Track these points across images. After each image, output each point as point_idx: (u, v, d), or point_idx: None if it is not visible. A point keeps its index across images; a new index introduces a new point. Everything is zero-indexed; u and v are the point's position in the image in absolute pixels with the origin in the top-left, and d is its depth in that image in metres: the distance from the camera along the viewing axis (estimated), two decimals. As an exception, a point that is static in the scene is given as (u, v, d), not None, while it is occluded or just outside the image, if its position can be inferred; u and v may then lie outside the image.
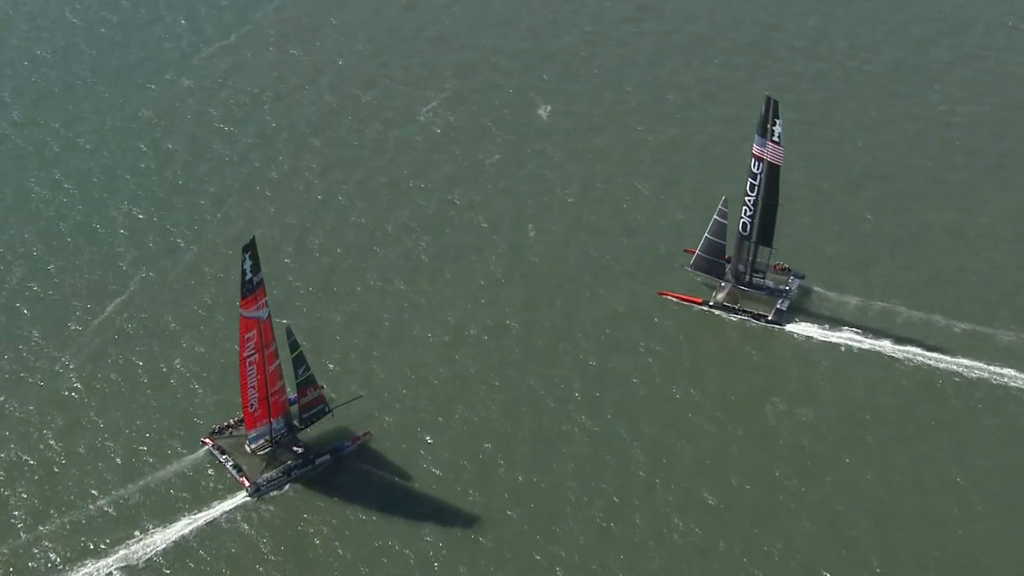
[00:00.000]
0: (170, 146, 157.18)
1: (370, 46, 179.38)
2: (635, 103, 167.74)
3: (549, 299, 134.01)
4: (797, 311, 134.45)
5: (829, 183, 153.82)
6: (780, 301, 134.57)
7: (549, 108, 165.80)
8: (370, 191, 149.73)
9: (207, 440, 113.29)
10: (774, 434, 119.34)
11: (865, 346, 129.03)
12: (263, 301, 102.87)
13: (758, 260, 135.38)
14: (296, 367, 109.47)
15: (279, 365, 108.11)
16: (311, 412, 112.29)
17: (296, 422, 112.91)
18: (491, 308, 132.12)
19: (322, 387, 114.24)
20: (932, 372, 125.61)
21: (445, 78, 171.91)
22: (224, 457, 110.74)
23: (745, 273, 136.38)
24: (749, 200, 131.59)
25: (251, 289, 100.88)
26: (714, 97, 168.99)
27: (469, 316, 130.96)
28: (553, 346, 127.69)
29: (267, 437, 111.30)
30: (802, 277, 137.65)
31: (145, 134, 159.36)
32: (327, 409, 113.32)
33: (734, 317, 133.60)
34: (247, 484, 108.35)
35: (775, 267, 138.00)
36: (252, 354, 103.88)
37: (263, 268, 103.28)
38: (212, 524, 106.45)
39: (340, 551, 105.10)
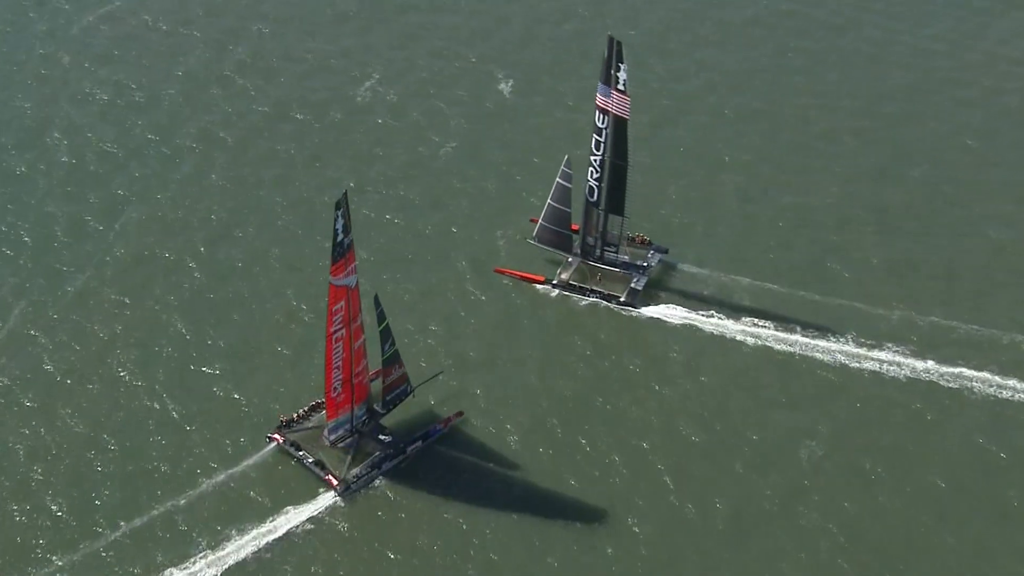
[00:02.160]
0: (48, 141, 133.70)
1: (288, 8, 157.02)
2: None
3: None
4: (657, 291, 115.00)
5: (699, 146, 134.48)
6: (636, 279, 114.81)
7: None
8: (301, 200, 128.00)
9: (275, 436, 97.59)
10: (606, 442, 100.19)
11: (731, 330, 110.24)
12: (353, 266, 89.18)
13: (610, 231, 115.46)
14: (383, 341, 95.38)
15: (364, 341, 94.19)
16: (394, 393, 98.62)
17: (377, 406, 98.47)
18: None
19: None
20: (805, 357, 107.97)
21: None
22: (301, 453, 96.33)
23: (595, 246, 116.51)
24: (595, 160, 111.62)
25: (342, 252, 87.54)
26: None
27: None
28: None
29: (348, 426, 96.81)
30: (665, 251, 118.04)
31: (15, 127, 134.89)
32: (409, 389, 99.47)
33: (582, 298, 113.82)
34: (335, 482, 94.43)
35: (636, 239, 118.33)
36: (339, 328, 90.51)
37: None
38: (298, 530, 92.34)
39: (445, 554, 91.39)
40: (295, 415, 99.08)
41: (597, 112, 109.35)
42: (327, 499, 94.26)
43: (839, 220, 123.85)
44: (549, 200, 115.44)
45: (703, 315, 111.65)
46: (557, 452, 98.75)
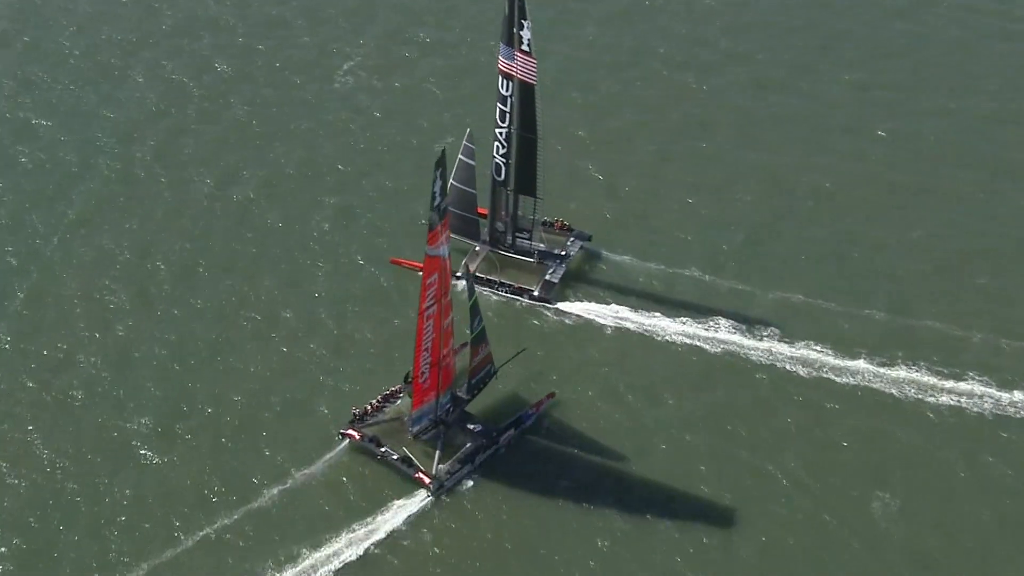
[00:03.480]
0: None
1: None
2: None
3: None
4: (576, 283, 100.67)
5: (620, 122, 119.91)
6: (550, 271, 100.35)
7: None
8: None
9: (350, 432, 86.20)
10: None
11: (663, 331, 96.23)
12: (447, 234, 79.85)
13: (522, 215, 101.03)
14: (472, 317, 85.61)
15: (453, 319, 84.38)
16: (479, 376, 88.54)
17: (461, 392, 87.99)
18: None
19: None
20: (739, 357, 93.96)
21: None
22: (383, 449, 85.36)
23: (506, 233, 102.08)
24: (501, 133, 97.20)
25: (439, 217, 78.28)
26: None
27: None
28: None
29: (432, 416, 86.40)
30: (588, 238, 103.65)
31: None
32: (493, 370, 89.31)
33: (491, 292, 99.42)
34: (427, 481, 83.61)
35: (555, 225, 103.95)
36: (431, 304, 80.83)
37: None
38: (392, 538, 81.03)
39: (558, 560, 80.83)
40: (368, 406, 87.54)
41: (500, 78, 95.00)
42: (418, 500, 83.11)
43: (780, 210, 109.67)
44: (451, 180, 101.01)
45: (630, 311, 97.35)
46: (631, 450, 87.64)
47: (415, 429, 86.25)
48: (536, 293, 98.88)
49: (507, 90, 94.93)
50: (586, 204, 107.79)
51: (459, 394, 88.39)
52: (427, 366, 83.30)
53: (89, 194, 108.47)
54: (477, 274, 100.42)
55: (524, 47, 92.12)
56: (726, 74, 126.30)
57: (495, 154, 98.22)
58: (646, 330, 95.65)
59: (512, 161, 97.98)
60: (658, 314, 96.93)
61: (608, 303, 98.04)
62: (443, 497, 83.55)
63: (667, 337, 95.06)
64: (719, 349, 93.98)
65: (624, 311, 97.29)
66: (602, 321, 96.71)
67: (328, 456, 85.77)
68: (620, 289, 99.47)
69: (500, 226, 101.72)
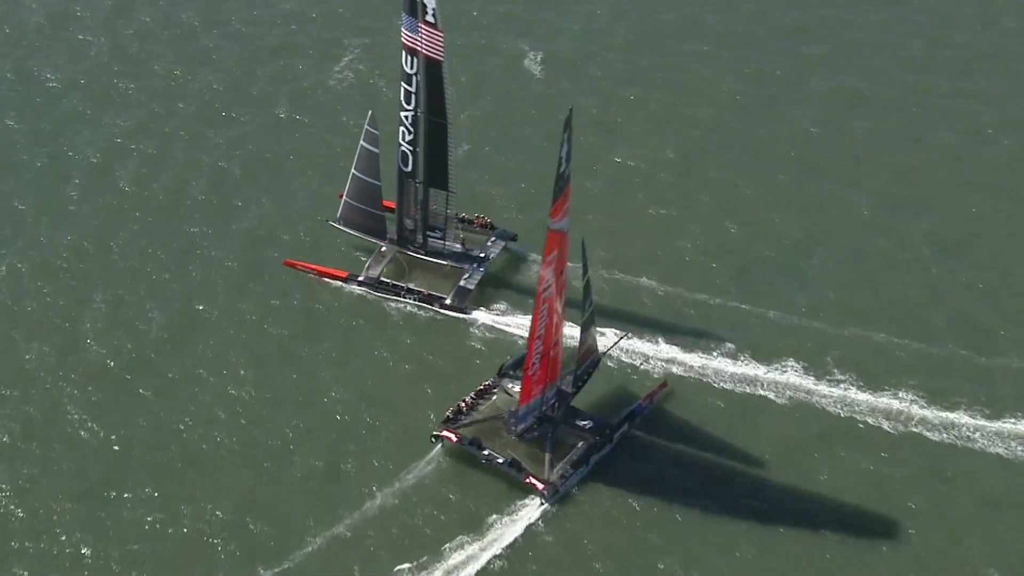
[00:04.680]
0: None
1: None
2: None
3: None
4: (499, 289, 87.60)
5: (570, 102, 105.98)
6: (465, 276, 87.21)
7: None
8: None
9: (446, 433, 75.77)
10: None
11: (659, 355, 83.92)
12: (568, 205, 69.30)
13: (434, 210, 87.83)
14: (584, 298, 75.49)
15: (564, 303, 74.68)
16: (584, 366, 78.54)
17: (566, 386, 78.15)
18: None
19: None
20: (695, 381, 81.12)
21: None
22: (486, 452, 75.15)
23: (416, 231, 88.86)
24: (407, 117, 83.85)
25: (563, 186, 68.20)
26: None
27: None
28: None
29: (538, 413, 76.61)
30: (512, 238, 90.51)
31: None
32: (598, 358, 79.59)
33: (396, 301, 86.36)
34: (541, 486, 73.29)
35: (475, 222, 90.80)
36: (549, 286, 70.82)
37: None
38: (512, 551, 70.75)
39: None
40: (461, 404, 77.30)
41: (404, 53, 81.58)
42: (531, 509, 72.85)
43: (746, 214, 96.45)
44: (353, 170, 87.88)
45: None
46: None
47: (520, 428, 76.07)
48: (448, 301, 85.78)
49: (412, 67, 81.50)
50: (522, 195, 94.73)
51: (563, 388, 77.91)
52: (538, 356, 72.84)
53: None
54: (383, 279, 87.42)
55: (429, 18, 78.68)
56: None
57: (401, 141, 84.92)
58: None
59: (420, 149, 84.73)
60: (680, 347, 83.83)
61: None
62: (561, 501, 73.43)
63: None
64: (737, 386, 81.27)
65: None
66: (518, 332, 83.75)
67: (422, 461, 75.32)
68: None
69: (409, 223, 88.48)
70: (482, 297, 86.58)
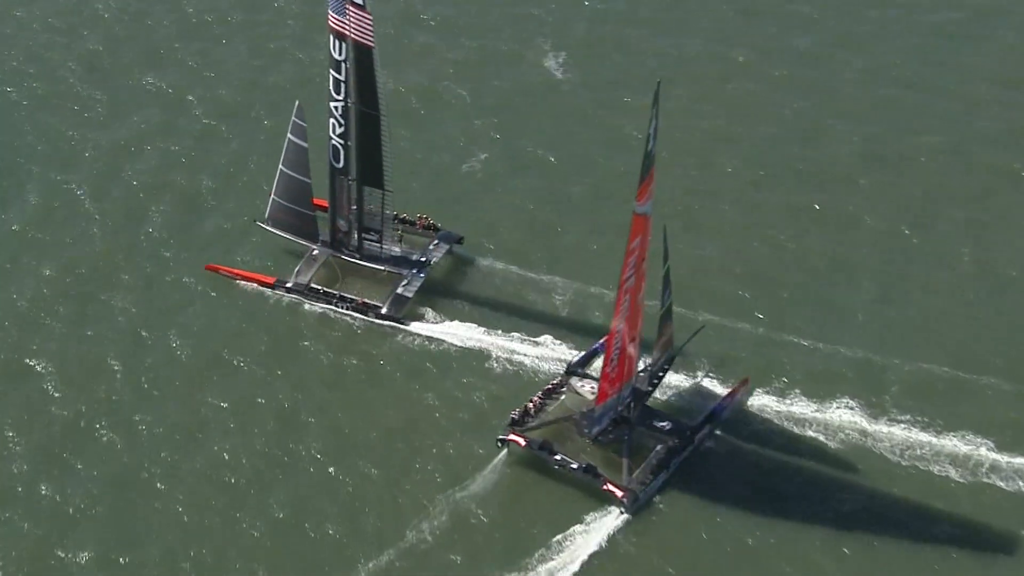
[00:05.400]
0: None
1: None
2: None
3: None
4: (440, 298, 79.88)
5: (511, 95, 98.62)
6: (404, 282, 79.44)
7: None
8: None
9: (514, 437, 69.07)
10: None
11: (539, 358, 75.60)
12: (654, 187, 63.12)
13: (370, 210, 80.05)
14: (664, 287, 69.49)
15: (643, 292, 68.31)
16: (660, 361, 72.55)
17: (641, 383, 71.68)
18: None
19: None
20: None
21: None
22: (559, 457, 68.60)
23: (350, 233, 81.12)
24: (336, 107, 76.08)
25: (649, 164, 62.00)
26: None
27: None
28: None
29: (613, 414, 70.00)
30: (458, 240, 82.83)
31: None
32: (674, 353, 73.41)
33: (327, 309, 78.71)
34: (621, 494, 66.82)
35: (417, 223, 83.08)
36: (631, 275, 64.97)
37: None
38: (593, 566, 64.34)
39: None
40: (528, 405, 70.50)
41: (331, 38, 73.77)
42: (611, 519, 66.35)
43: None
44: (280, 165, 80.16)
45: (504, 337, 76.72)
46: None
47: (595, 430, 69.43)
48: (384, 310, 78.06)
49: (340, 53, 73.73)
50: (455, 197, 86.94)
51: (638, 387, 71.42)
52: (617, 351, 66.42)
53: None
54: (313, 285, 79.71)
55: (357, 0, 70.88)
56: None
57: (331, 134, 77.15)
58: (526, 362, 75.10)
59: (352, 143, 76.96)
60: (536, 339, 76.32)
61: (483, 325, 77.20)
62: (640, 510, 67.07)
63: (548, 367, 74.53)
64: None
65: (501, 337, 76.56)
66: (466, 345, 76.10)
67: (487, 468, 68.85)
68: (500, 307, 78.73)
69: (343, 224, 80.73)
70: (421, 304, 78.69)
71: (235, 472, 68.54)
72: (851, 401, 72.32)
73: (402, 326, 77.58)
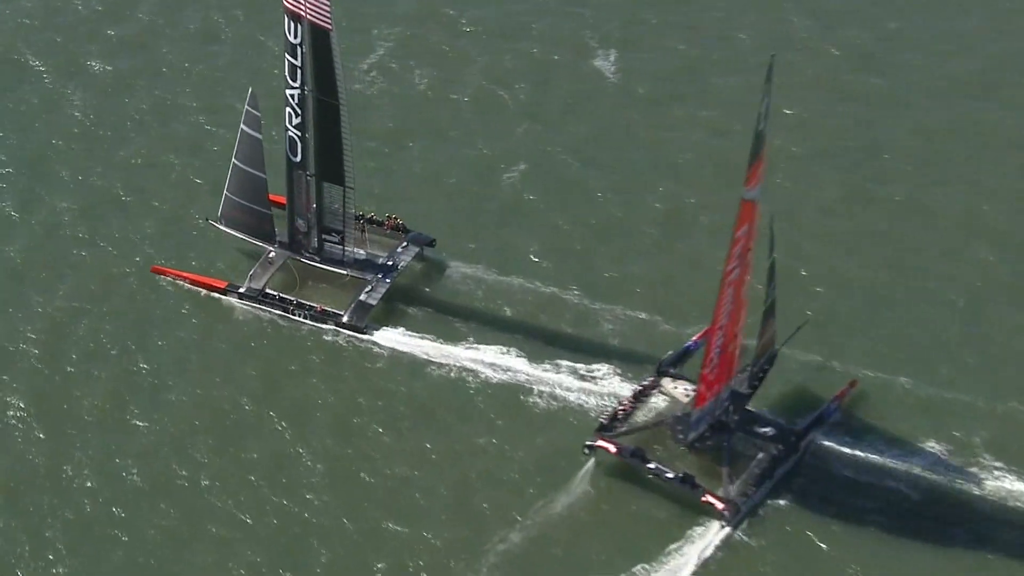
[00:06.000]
0: None
1: None
2: None
3: None
4: (408, 306, 73.23)
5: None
6: (368, 288, 72.72)
7: None
8: None
9: (603, 443, 63.98)
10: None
11: (523, 375, 69.12)
12: (764, 169, 57.98)
13: (333, 209, 73.36)
14: (768, 282, 64.42)
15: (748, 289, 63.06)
16: (761, 361, 66.69)
17: (740, 385, 66.05)
18: None
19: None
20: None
21: None
22: (653, 466, 63.45)
23: (309, 234, 74.37)
24: (292, 96, 69.44)
25: (759, 146, 56.41)
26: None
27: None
28: None
29: (711, 419, 64.81)
30: (430, 243, 76.07)
31: None
32: (775, 352, 67.62)
33: (285, 318, 72.06)
34: (722, 506, 61.78)
35: (386, 224, 76.40)
36: (735, 266, 59.46)
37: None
38: None
39: None
40: (618, 408, 65.49)
41: (286, 18, 67.15)
42: (711, 533, 61.28)
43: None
44: (234, 159, 73.48)
45: (478, 349, 70.10)
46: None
47: (691, 436, 63.81)
48: (345, 319, 71.37)
49: (296, 36, 67.08)
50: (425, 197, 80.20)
51: (737, 389, 65.97)
52: (719, 350, 61.04)
53: None
54: (268, 290, 73.03)
55: (313, -25, 64.42)
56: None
57: (288, 125, 70.48)
58: (503, 377, 68.44)
59: (310, 135, 70.29)
60: (510, 351, 69.60)
61: (450, 339, 70.52)
62: (743, 524, 61.77)
63: (528, 383, 67.75)
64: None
65: (472, 349, 69.96)
66: (434, 360, 69.52)
67: (576, 479, 63.65)
68: (473, 316, 72.00)
69: (302, 224, 74.00)
70: (387, 312, 72.11)
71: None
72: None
73: (364, 335, 70.92)
